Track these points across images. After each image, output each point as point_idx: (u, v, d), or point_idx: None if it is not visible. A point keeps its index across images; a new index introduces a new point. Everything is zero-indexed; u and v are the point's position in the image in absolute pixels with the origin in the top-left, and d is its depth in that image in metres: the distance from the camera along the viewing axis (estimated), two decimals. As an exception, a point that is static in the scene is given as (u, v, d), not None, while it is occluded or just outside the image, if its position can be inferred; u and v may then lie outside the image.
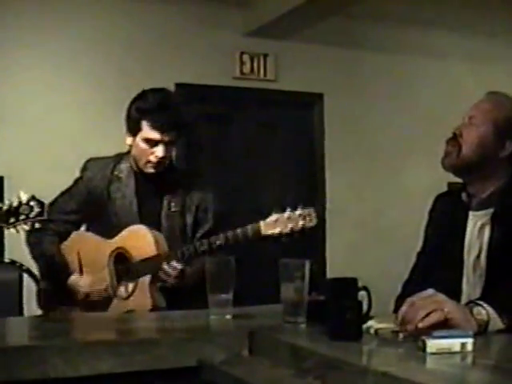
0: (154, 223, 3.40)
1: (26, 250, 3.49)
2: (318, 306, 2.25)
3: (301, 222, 3.18)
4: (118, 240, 3.40)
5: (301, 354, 1.96)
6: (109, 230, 3.43)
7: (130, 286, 3.36)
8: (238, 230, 3.20)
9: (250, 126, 6.72)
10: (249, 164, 6.66)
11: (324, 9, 5.94)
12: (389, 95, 7.06)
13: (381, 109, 7.03)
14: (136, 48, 6.19)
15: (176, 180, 3.52)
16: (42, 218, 3.01)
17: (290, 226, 3.16)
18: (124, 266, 3.38)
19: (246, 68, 6.60)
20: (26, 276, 3.99)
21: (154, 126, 3.34)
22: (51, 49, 5.96)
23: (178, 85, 6.30)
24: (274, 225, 3.17)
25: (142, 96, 3.47)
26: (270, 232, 3.17)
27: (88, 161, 3.60)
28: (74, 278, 3.45)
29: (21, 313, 3.89)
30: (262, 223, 3.18)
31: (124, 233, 3.39)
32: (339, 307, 2.05)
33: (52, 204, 3.52)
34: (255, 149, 6.70)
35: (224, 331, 2.34)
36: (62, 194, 3.58)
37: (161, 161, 3.39)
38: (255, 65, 6.62)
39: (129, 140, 3.45)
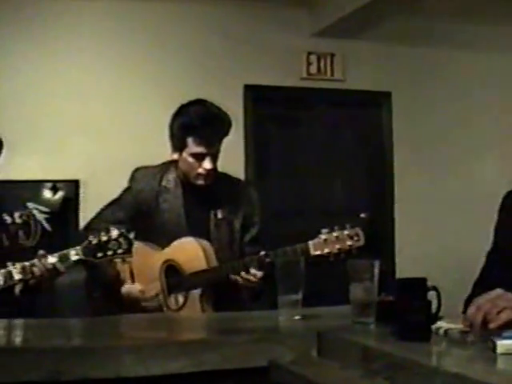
0: (202, 233, 3.42)
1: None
2: (387, 307, 2.24)
3: (348, 243, 3.20)
4: (169, 252, 3.42)
5: (370, 354, 1.96)
6: (157, 239, 3.46)
7: (181, 298, 3.39)
8: (288, 248, 3.22)
9: (318, 127, 6.70)
10: (316, 165, 6.64)
11: (390, 6, 5.89)
12: (459, 93, 6.96)
13: (450, 107, 6.94)
14: (204, 51, 6.22)
15: (222, 188, 3.52)
16: (129, 256, 3.06)
17: (337, 246, 3.19)
18: (175, 278, 3.41)
19: (313, 68, 6.57)
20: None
21: (200, 142, 3.36)
22: (123, 53, 6.04)
23: (246, 86, 6.34)
24: (322, 245, 3.20)
25: (182, 112, 3.48)
26: (318, 252, 3.19)
27: (136, 170, 3.62)
28: (127, 287, 3.48)
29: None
30: (310, 243, 3.21)
31: (174, 245, 3.41)
32: (408, 308, 2.04)
33: (100, 213, 3.57)
34: (323, 149, 6.67)
35: (293, 332, 2.35)
36: (110, 203, 3.60)
37: (210, 173, 3.41)
38: (322, 65, 6.60)
39: (175, 155, 3.47)
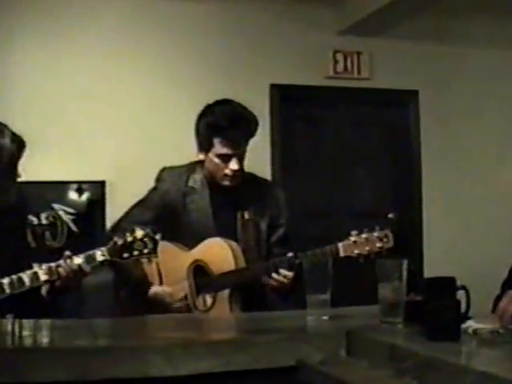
0: (229, 233, 3.41)
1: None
2: (415, 306, 2.23)
3: (378, 244, 3.20)
4: (197, 252, 3.42)
5: (398, 354, 1.95)
6: (184, 240, 3.46)
7: (209, 299, 3.39)
8: (317, 250, 3.21)
9: (344, 126, 6.69)
10: (343, 165, 6.63)
11: (417, 4, 5.86)
12: (486, 91, 6.93)
13: (477, 104, 6.90)
14: (230, 50, 6.23)
15: (248, 188, 3.52)
16: (155, 256, 3.07)
17: (367, 248, 3.18)
18: (203, 278, 3.41)
19: (340, 67, 6.56)
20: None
21: (227, 143, 3.35)
22: (148, 53, 6.06)
23: (272, 86, 6.34)
24: (352, 247, 3.20)
25: (208, 112, 3.47)
26: (347, 254, 3.19)
27: (162, 170, 3.62)
28: (155, 289, 3.48)
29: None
30: (340, 245, 3.21)
31: (202, 245, 3.41)
32: (437, 307, 2.03)
33: (126, 214, 3.58)
34: (349, 149, 6.66)
35: (321, 332, 2.34)
36: (137, 204, 3.60)
37: (236, 174, 3.40)
38: (349, 63, 6.58)
39: (201, 155, 3.47)
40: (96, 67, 5.91)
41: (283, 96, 6.37)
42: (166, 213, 3.49)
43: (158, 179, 3.59)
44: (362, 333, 2.20)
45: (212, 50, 6.19)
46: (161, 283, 3.48)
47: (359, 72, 6.62)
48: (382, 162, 6.77)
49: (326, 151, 6.61)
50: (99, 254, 2.99)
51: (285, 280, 3.24)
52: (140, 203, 3.58)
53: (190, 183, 3.53)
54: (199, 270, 3.41)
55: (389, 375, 1.92)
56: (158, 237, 3.05)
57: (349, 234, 3.21)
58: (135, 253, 3.02)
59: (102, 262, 3.00)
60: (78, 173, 5.78)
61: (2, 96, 5.59)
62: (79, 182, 5.77)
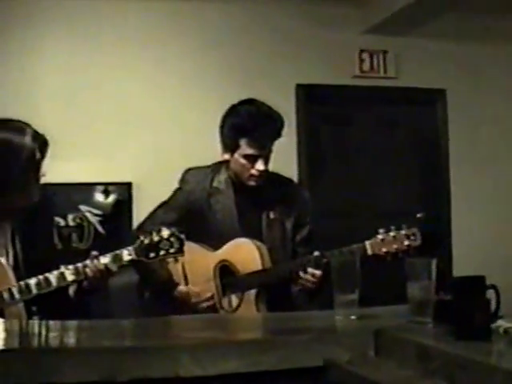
0: (254, 234, 3.41)
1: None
2: (444, 306, 2.22)
3: (406, 242, 3.19)
4: (223, 252, 3.42)
5: (428, 354, 1.94)
6: (209, 240, 3.45)
7: (235, 299, 3.38)
8: (345, 249, 3.20)
9: (371, 126, 6.65)
10: (370, 164, 6.60)
11: (443, 2, 5.83)
12: (513, 89, 6.89)
13: (505, 104, 6.85)
14: (255, 50, 6.22)
15: (273, 188, 3.51)
16: (181, 255, 3.07)
17: (395, 246, 3.18)
18: (229, 279, 3.40)
19: (366, 66, 6.53)
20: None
21: (253, 144, 3.35)
22: (173, 54, 6.06)
23: (298, 86, 6.32)
24: (379, 245, 3.19)
25: (234, 112, 3.47)
26: (375, 252, 3.18)
27: (186, 171, 3.62)
28: (181, 289, 3.48)
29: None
30: (367, 243, 3.20)
31: (229, 245, 3.41)
32: (466, 306, 2.01)
33: (151, 215, 3.58)
34: (376, 149, 6.62)
35: (350, 331, 2.33)
36: (161, 205, 3.61)
37: (262, 174, 3.40)
38: (375, 62, 6.55)
39: (227, 156, 3.46)
40: (123, 69, 5.92)
41: (309, 96, 6.35)
42: (191, 213, 3.49)
43: (183, 180, 3.60)
44: (390, 332, 2.19)
45: (237, 50, 6.18)
46: (186, 284, 3.48)
47: (385, 71, 6.59)
48: (409, 161, 6.72)
49: (353, 151, 6.58)
50: (126, 254, 2.99)
51: (313, 279, 3.23)
52: (164, 204, 3.59)
53: (215, 184, 3.53)
54: (225, 271, 3.41)
55: (418, 375, 1.91)
56: (183, 235, 3.05)
57: (376, 233, 3.21)
58: (162, 252, 3.02)
59: (128, 262, 3.01)
60: (104, 174, 5.79)
61: (29, 97, 5.62)
62: (106, 184, 5.79)
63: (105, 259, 2.96)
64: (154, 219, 3.52)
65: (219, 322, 2.91)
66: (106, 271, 2.96)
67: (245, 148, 3.37)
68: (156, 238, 3.02)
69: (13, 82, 5.65)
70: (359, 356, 2.12)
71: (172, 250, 3.03)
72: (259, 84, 5.83)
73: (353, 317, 2.46)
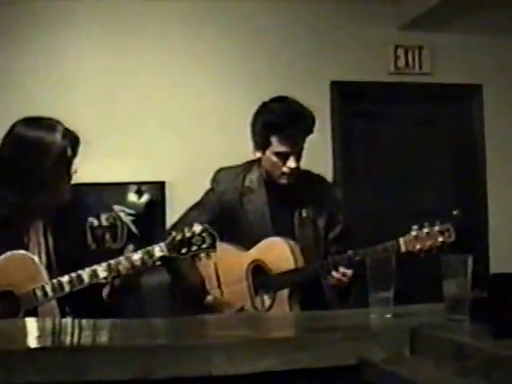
0: (287, 232, 3.40)
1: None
2: (481, 303, 2.19)
3: (440, 239, 3.16)
4: (255, 252, 3.41)
5: (464, 352, 1.90)
6: (241, 240, 3.44)
7: (267, 299, 3.37)
8: (378, 246, 3.18)
9: (406, 123, 6.60)
10: (405, 162, 6.55)
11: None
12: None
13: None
14: (289, 47, 6.20)
15: (305, 186, 3.49)
16: (213, 251, 3.07)
17: (428, 243, 3.15)
18: (262, 278, 3.39)
19: (401, 62, 6.49)
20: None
21: (285, 142, 3.34)
22: (208, 52, 6.06)
23: (333, 83, 6.29)
24: (413, 242, 3.17)
25: (265, 109, 3.46)
26: (409, 249, 3.15)
27: (218, 171, 3.62)
28: (211, 298, 3.46)
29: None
30: (401, 240, 3.19)
31: (261, 245, 3.40)
32: (503, 304, 1.98)
33: (183, 217, 3.58)
34: (411, 146, 6.58)
35: (385, 330, 2.30)
36: (193, 206, 3.61)
37: (294, 171, 3.38)
38: (410, 58, 6.51)
39: (258, 154, 3.46)
40: (155, 67, 5.94)
41: (344, 93, 6.32)
42: (223, 214, 3.49)
43: (214, 180, 3.60)
44: (426, 331, 2.16)
45: (271, 47, 6.16)
46: (219, 284, 3.47)
47: (421, 67, 6.54)
48: (445, 159, 6.67)
49: (388, 148, 6.54)
50: (158, 250, 3.00)
51: (344, 278, 3.21)
52: (196, 205, 3.59)
53: (247, 183, 3.52)
54: (258, 270, 3.40)
55: (454, 374, 1.88)
56: (216, 232, 3.04)
57: (410, 229, 3.18)
58: (194, 248, 3.02)
59: (160, 259, 3.01)
60: (138, 174, 5.81)
61: (64, 96, 5.65)
62: (139, 183, 5.80)
63: (137, 255, 2.97)
64: (185, 221, 3.51)
65: (253, 321, 2.90)
66: (139, 266, 2.96)
67: (276, 145, 3.36)
68: (188, 234, 3.02)
69: (47, 80, 5.69)
70: (394, 355, 2.09)
71: (204, 246, 3.03)
72: (293, 81, 5.82)
73: (388, 315, 2.44)
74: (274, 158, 3.39)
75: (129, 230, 5.69)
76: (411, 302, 2.72)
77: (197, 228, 3.03)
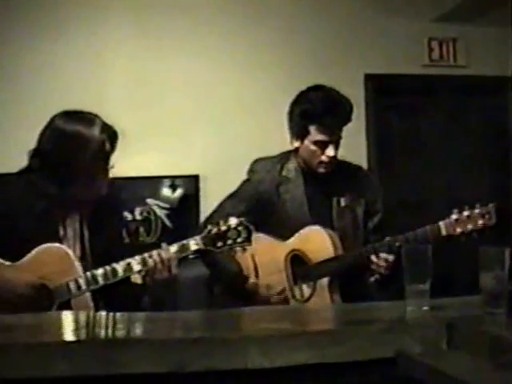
0: (325, 222, 3.39)
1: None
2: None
3: (480, 221, 3.13)
4: (293, 242, 3.40)
5: (502, 345, 1.89)
6: (279, 230, 3.44)
7: (307, 289, 3.36)
8: (418, 231, 3.16)
9: (441, 115, 6.56)
10: (439, 154, 6.51)
11: (514, -13, 5.73)
12: None
13: None
14: (323, 40, 6.18)
15: (342, 175, 3.48)
16: (249, 244, 3.07)
17: (469, 226, 3.11)
18: (301, 268, 3.38)
19: (435, 55, 6.44)
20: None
21: (323, 130, 3.33)
22: (242, 43, 6.05)
23: (367, 76, 6.26)
24: (454, 225, 3.14)
25: (303, 98, 3.45)
26: (449, 232, 3.12)
27: (255, 162, 3.61)
28: (251, 282, 3.47)
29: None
30: (441, 224, 3.16)
31: (299, 234, 3.39)
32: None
33: (219, 207, 3.57)
34: (446, 138, 6.53)
35: (421, 323, 2.28)
36: (230, 196, 3.60)
37: (332, 160, 3.37)
38: (444, 51, 6.46)
39: (296, 143, 3.45)
40: (188, 61, 5.93)
41: (378, 86, 6.29)
42: (260, 204, 3.49)
43: (251, 170, 3.59)
44: (463, 324, 2.14)
45: (305, 39, 6.14)
46: (257, 276, 3.47)
47: (455, 59, 6.49)
48: (481, 150, 6.61)
49: (422, 140, 6.50)
50: (193, 243, 3.00)
51: (385, 264, 3.19)
52: (233, 195, 3.59)
53: (284, 173, 3.52)
54: (297, 260, 3.39)
55: (492, 367, 1.86)
56: (251, 226, 3.04)
57: (450, 213, 3.15)
58: (229, 242, 3.02)
59: (195, 252, 3.01)
60: (171, 168, 5.82)
61: (99, 90, 5.67)
62: (173, 177, 5.81)
63: (172, 249, 2.97)
64: (221, 211, 3.51)
65: (288, 314, 2.89)
66: (173, 261, 2.96)
67: (315, 134, 3.36)
68: (223, 228, 3.02)
69: (83, 74, 5.72)
70: (431, 348, 2.07)
71: (239, 240, 3.03)
72: (328, 74, 5.77)
73: (424, 308, 2.42)
74: (313, 147, 3.38)
75: (163, 223, 5.70)
76: (448, 294, 2.69)
77: (232, 221, 3.03)
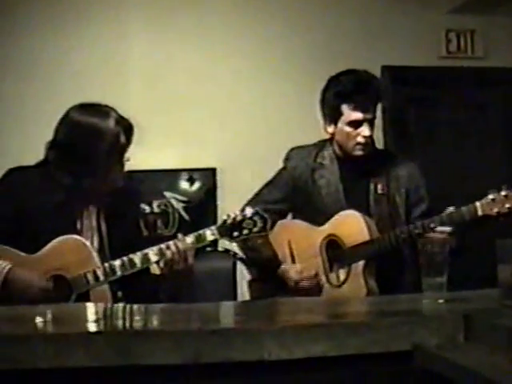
0: (361, 208, 3.39)
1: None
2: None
3: None
4: (329, 227, 3.41)
5: (520, 338, 1.89)
6: (315, 217, 3.45)
7: (343, 272, 3.37)
8: (454, 212, 3.15)
9: (458, 108, 6.52)
10: (458, 147, 6.48)
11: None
12: None
13: None
14: (340, 31, 6.15)
15: (379, 161, 3.48)
16: (264, 234, 3.09)
17: (507, 205, 3.09)
18: (336, 252, 3.39)
19: (453, 46, 6.41)
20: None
21: (356, 107, 3.34)
22: (260, 37, 6.03)
23: (384, 67, 6.23)
24: (491, 205, 3.13)
25: (334, 81, 3.47)
26: (486, 213, 3.11)
27: (291, 150, 3.64)
28: (284, 267, 3.49)
29: (235, 300, 4.00)
30: (478, 204, 3.15)
31: (335, 219, 3.40)
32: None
33: (257, 194, 3.60)
34: (464, 131, 6.50)
35: (438, 315, 2.28)
36: (266, 184, 3.64)
37: (368, 141, 3.38)
38: (462, 42, 6.42)
39: (330, 129, 3.46)
40: (209, 55, 5.92)
41: (395, 78, 6.26)
42: (296, 190, 3.53)
43: (287, 158, 3.64)
44: (480, 317, 2.13)
45: (322, 31, 6.12)
46: (293, 261, 3.50)
47: (473, 51, 6.45)
48: (498, 143, 6.58)
49: (440, 132, 6.48)
50: (209, 234, 3.03)
51: (444, 236, 3.17)
52: (269, 182, 3.64)
53: (319, 159, 3.55)
54: (332, 245, 3.40)
55: (509, 360, 1.85)
56: (266, 214, 3.06)
57: (486, 193, 3.15)
58: (245, 232, 3.05)
59: (211, 242, 3.04)
60: (189, 161, 5.82)
61: (116, 83, 5.66)
62: (190, 170, 5.81)
63: (189, 239, 3.00)
64: (258, 198, 3.58)
65: (307, 305, 2.89)
66: (190, 252, 2.99)
67: (348, 114, 3.38)
68: (239, 218, 3.05)
69: (100, 67, 5.72)
70: (448, 340, 2.07)
71: (255, 229, 3.05)
72: (344, 66, 5.75)
73: (441, 300, 2.42)
74: (347, 128, 3.40)
75: (180, 216, 5.71)
76: (465, 287, 2.69)
77: (248, 211, 3.06)
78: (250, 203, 3.57)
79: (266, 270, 3.55)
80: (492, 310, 2.25)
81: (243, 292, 4.03)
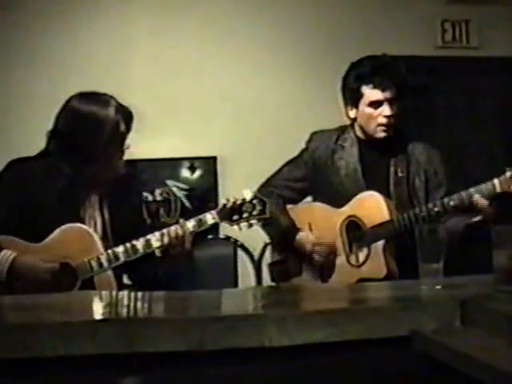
0: (381, 189, 3.41)
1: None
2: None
3: None
4: (349, 208, 3.45)
5: (515, 322, 1.92)
6: (334, 197, 3.48)
7: (362, 253, 3.39)
8: (472, 189, 3.18)
9: (455, 97, 6.54)
10: (455, 135, 6.50)
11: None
12: None
13: None
14: (337, 21, 6.15)
15: (400, 144, 3.51)
16: (264, 217, 3.12)
17: None
18: (356, 233, 3.42)
19: (448, 36, 6.42)
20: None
21: (375, 86, 3.37)
22: (264, 27, 6.03)
23: (380, 57, 6.24)
24: (509, 182, 3.15)
25: (356, 65, 3.51)
26: (505, 189, 3.13)
27: (314, 133, 3.68)
28: (301, 233, 3.52)
29: (236, 287, 4.03)
30: (496, 181, 3.17)
31: (354, 200, 3.43)
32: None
33: (278, 171, 3.65)
34: (461, 120, 6.52)
35: (436, 301, 2.31)
36: (288, 162, 3.69)
37: (390, 122, 3.40)
38: (457, 32, 6.43)
39: (352, 113, 3.50)
40: (211, 44, 5.92)
41: (391, 67, 6.27)
42: (315, 170, 3.57)
43: (309, 140, 3.68)
44: (477, 302, 2.17)
45: (320, 21, 6.11)
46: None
47: (468, 41, 6.47)
48: (495, 133, 6.60)
49: (436, 122, 6.49)
50: (210, 218, 3.08)
51: (485, 208, 3.19)
52: (291, 161, 3.69)
53: (340, 142, 3.57)
54: (352, 226, 3.43)
55: (505, 345, 1.89)
56: (266, 199, 3.09)
57: (504, 171, 3.18)
58: (245, 215, 3.09)
59: (212, 226, 3.08)
60: (190, 149, 5.83)
61: (118, 72, 5.66)
62: (191, 159, 5.83)
63: (190, 224, 3.04)
64: (278, 176, 3.63)
65: (307, 292, 2.93)
66: (189, 236, 3.03)
67: (368, 94, 3.41)
68: (239, 202, 3.08)
69: (101, 57, 5.72)
70: (445, 326, 2.11)
71: (255, 212, 3.10)
72: (341, 56, 5.77)
73: (438, 286, 2.45)
74: (368, 109, 3.42)
75: (182, 204, 5.74)
76: (461, 273, 2.73)
77: (247, 195, 3.09)
78: (271, 179, 3.66)
79: (284, 236, 3.58)
80: (488, 296, 2.27)
81: (244, 280, 4.06)
